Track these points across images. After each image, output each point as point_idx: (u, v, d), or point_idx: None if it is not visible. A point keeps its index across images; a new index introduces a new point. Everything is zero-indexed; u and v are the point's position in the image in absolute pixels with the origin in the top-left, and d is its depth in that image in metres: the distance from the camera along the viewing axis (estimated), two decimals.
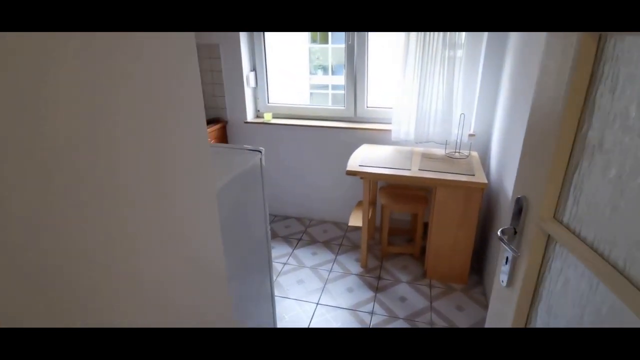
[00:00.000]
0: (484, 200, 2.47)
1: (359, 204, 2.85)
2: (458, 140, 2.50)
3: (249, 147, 1.52)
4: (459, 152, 2.50)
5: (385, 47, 2.81)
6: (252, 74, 2.97)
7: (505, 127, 2.17)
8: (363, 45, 2.71)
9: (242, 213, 1.49)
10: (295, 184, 3.13)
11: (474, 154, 2.51)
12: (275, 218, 3.24)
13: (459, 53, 2.38)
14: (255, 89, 3.07)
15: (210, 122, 2.98)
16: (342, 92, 2.87)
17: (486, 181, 2.09)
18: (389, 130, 2.70)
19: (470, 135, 2.59)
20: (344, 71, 2.82)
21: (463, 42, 2.37)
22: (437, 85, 2.47)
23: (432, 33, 2.36)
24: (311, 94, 5.31)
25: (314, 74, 5.47)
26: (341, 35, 2.83)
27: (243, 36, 2.83)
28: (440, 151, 2.56)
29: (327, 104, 5.27)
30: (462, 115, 2.43)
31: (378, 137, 2.79)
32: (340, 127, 2.83)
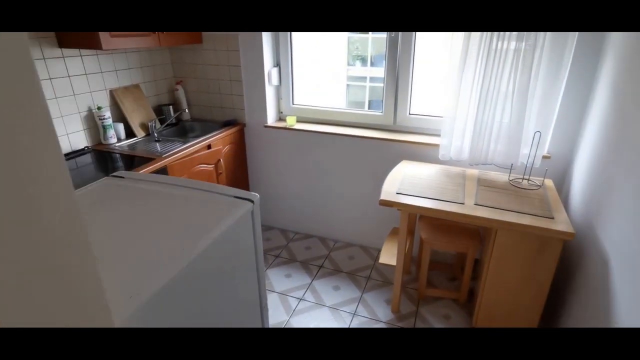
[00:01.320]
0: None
1: (393, 231, 2.37)
2: (528, 165, 1.93)
3: (240, 193, 1.10)
4: (528, 180, 1.93)
5: (437, 40, 2.26)
6: (275, 70, 2.54)
7: (600, 149, 1.59)
8: (409, 38, 2.18)
9: (226, 274, 1.09)
10: (321, 199, 2.69)
11: (549, 183, 1.93)
12: (295, 236, 2.83)
13: (537, 54, 1.80)
14: (278, 88, 2.63)
15: (226, 124, 2.60)
16: (382, 84, 2.36)
17: (572, 230, 1.53)
18: (436, 146, 2.18)
19: (545, 157, 2.01)
20: (384, 68, 2.32)
21: (543, 40, 1.78)
22: (505, 93, 1.91)
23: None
24: (347, 85, 4.86)
25: (351, 64, 4.99)
26: None
27: None
28: (502, 176, 2.01)
29: (363, 105, 4.77)
30: (538, 133, 1.85)
31: (422, 153, 2.28)
32: (376, 137, 2.34)
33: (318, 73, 2.95)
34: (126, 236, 0.97)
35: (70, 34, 1.89)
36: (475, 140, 2.05)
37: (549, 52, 1.80)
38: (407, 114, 2.37)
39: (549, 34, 1.77)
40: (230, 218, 1.06)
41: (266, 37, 2.42)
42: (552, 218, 1.61)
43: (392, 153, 2.33)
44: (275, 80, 2.56)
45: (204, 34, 2.51)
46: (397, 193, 1.85)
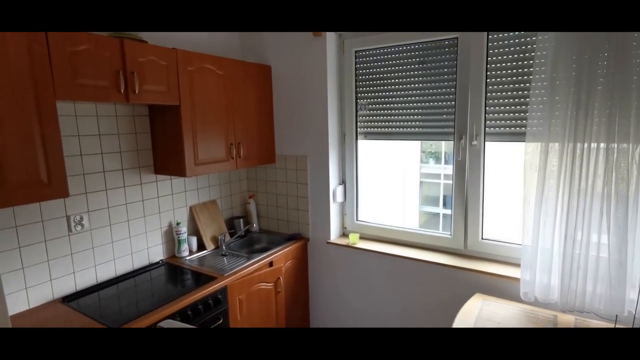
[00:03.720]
0: None
1: None
2: (638, 315, 1.55)
3: None
4: None
5: (509, 152, 2.15)
6: (340, 188, 2.60)
7: None
8: (477, 159, 2.10)
9: None
10: (381, 326, 2.45)
11: None
12: None
13: (637, 154, 1.54)
14: (343, 204, 2.67)
15: (291, 238, 2.65)
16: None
17: None
18: (516, 280, 1.90)
19: None
20: (452, 188, 2.22)
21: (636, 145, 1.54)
22: (599, 221, 1.66)
23: (585, 143, 1.64)
24: (421, 182, 4.78)
25: (425, 162, 4.99)
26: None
27: (333, 147, 2.54)
28: (606, 326, 1.62)
29: (438, 202, 4.59)
30: None
31: (498, 286, 2.00)
32: (444, 263, 2.14)
33: (387, 180, 2.97)
34: None
35: (163, 164, 2.20)
36: (566, 279, 1.75)
37: None
38: (480, 238, 2.16)
39: None
40: None
41: (333, 155, 2.55)
42: None
43: (463, 283, 2.09)
44: (339, 197, 2.61)
45: (278, 154, 2.74)
46: None
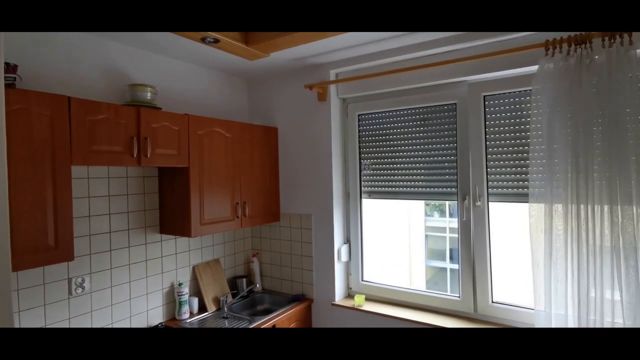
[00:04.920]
0: None
1: None
2: None
3: None
4: None
5: (515, 214, 2.15)
6: (344, 247, 2.58)
7: None
8: (482, 220, 2.11)
9: None
10: None
11: None
12: None
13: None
14: (347, 264, 2.63)
15: (294, 299, 2.58)
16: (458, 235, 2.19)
17: None
18: None
19: None
20: (458, 251, 2.20)
21: None
22: (610, 282, 1.61)
23: (589, 204, 1.65)
24: (426, 236, 4.72)
25: (429, 215, 4.96)
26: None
27: (337, 206, 2.56)
28: None
29: (444, 256, 4.50)
30: None
31: None
32: (452, 328, 2.06)
33: (392, 237, 2.94)
34: None
35: (169, 223, 2.22)
36: None
37: None
38: (490, 301, 2.10)
39: None
40: None
41: (338, 213, 2.56)
42: None
43: None
44: (344, 256, 2.58)
45: (282, 212, 2.76)
46: None
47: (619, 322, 1.60)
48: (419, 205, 4.40)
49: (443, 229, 4.79)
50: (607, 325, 1.63)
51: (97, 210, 1.96)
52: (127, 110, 1.79)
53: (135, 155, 1.81)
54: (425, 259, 4.52)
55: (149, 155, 1.86)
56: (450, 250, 4.63)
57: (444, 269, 4.76)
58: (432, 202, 4.52)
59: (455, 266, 2.26)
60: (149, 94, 2.00)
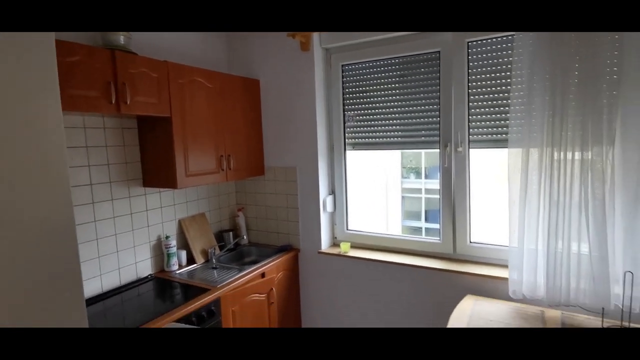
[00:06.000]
0: None
1: None
2: (624, 309, 1.63)
3: None
4: (629, 327, 1.60)
5: (494, 159, 2.25)
6: (329, 198, 2.64)
7: None
8: (463, 166, 2.19)
9: None
10: None
11: None
12: None
13: (610, 155, 1.64)
14: (332, 214, 2.70)
15: (281, 249, 2.64)
16: (437, 196, 2.30)
17: None
18: (505, 279, 1.97)
19: None
20: (439, 195, 2.29)
21: (612, 150, 1.65)
22: (578, 219, 1.75)
23: (562, 147, 1.75)
24: (403, 197, 4.87)
25: (406, 177, 5.09)
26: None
27: (322, 158, 2.58)
28: (594, 321, 1.70)
29: (420, 216, 4.69)
30: (629, 273, 1.60)
31: (488, 287, 2.06)
32: (435, 267, 2.19)
33: (372, 192, 3.01)
34: None
35: (152, 176, 2.18)
36: (550, 276, 1.82)
37: (622, 162, 1.66)
38: (468, 242, 2.23)
39: (617, 140, 1.65)
40: None
41: (323, 165, 2.58)
42: None
43: (455, 286, 2.14)
44: (329, 207, 2.64)
45: (267, 166, 2.76)
46: None
47: (585, 253, 1.75)
48: (396, 166, 4.46)
49: (419, 190, 4.94)
50: (573, 256, 1.78)
51: (76, 162, 1.90)
52: (101, 52, 1.70)
53: (113, 102, 1.74)
54: (401, 220, 4.67)
55: (128, 103, 1.79)
56: (426, 212, 4.78)
57: (419, 229, 4.95)
58: (408, 165, 4.61)
59: (430, 226, 2.37)
60: (122, 38, 1.89)
